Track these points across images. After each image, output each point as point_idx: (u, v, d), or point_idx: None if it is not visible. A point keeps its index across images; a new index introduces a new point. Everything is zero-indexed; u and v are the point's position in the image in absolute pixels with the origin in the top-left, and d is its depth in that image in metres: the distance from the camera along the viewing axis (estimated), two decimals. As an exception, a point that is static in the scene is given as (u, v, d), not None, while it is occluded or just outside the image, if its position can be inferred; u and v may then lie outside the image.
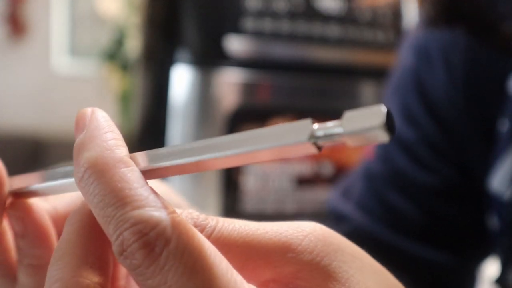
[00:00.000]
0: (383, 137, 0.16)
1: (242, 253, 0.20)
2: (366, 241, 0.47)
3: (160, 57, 1.05)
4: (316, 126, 0.18)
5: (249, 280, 0.20)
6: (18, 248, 0.25)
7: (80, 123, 0.21)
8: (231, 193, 0.99)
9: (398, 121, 0.50)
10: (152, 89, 1.08)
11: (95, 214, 0.20)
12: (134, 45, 1.91)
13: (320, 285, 0.20)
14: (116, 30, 2.62)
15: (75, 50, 3.49)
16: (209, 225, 0.20)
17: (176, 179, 0.96)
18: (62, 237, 0.21)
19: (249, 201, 1.00)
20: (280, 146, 0.18)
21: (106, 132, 0.20)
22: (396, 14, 1.10)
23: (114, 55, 2.57)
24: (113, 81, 2.58)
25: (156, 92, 1.06)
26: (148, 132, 1.11)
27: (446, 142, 0.48)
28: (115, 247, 0.19)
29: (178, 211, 0.21)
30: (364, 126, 0.16)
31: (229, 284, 0.18)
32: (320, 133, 0.17)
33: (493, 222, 0.45)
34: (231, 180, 0.98)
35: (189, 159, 0.20)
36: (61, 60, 3.46)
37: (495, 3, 0.44)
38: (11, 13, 3.37)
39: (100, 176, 0.19)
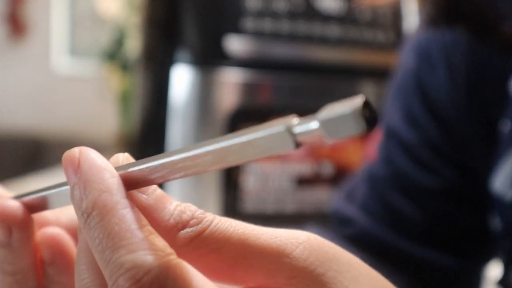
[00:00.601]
0: (358, 125, 0.15)
1: (236, 250, 0.20)
2: (370, 244, 0.47)
3: (160, 57, 1.05)
4: (295, 121, 0.17)
5: (239, 280, 0.20)
6: (46, 274, 0.26)
7: (69, 166, 0.20)
8: (231, 193, 0.98)
9: (400, 123, 0.50)
10: (152, 89, 1.08)
11: (96, 259, 0.19)
12: (134, 45, 1.90)
13: None
14: (116, 30, 2.62)
15: (75, 50, 3.48)
16: (206, 219, 0.20)
17: (176, 180, 0.96)
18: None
19: (249, 201, 0.99)
20: (256, 139, 0.17)
21: (101, 172, 0.20)
22: (396, 14, 1.10)
23: (114, 55, 2.57)
24: (113, 81, 2.58)
25: (156, 92, 1.06)
26: (148, 132, 1.11)
27: (448, 143, 0.48)
28: None
29: (176, 203, 0.21)
30: (337, 113, 0.15)
31: None
32: (298, 129, 0.16)
33: (495, 223, 0.45)
34: (231, 180, 0.98)
35: (166, 159, 0.20)
36: (61, 60, 3.46)
37: (495, 3, 0.44)
38: (11, 13, 3.37)
39: (100, 219, 0.19)
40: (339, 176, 1.03)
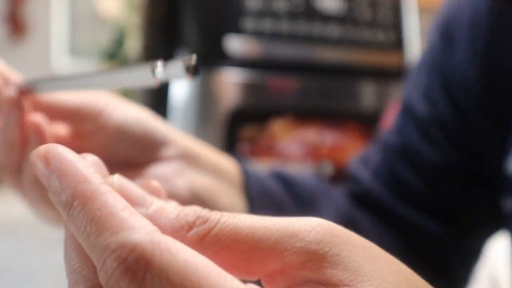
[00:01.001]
0: (186, 74, 0.23)
1: (249, 243, 0.20)
2: (372, 204, 0.50)
3: (160, 57, 1.05)
4: (156, 67, 0.25)
5: (256, 271, 0.20)
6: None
7: (40, 165, 0.21)
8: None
9: (416, 97, 0.52)
10: (152, 89, 1.08)
11: (84, 247, 0.19)
12: (134, 45, 1.90)
13: (330, 274, 0.19)
14: (116, 30, 2.62)
15: (75, 50, 3.49)
16: (212, 218, 0.20)
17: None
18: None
19: (249, 201, 1.00)
20: (129, 77, 0.27)
21: (73, 164, 0.20)
22: (396, 14, 1.10)
23: (114, 55, 2.57)
24: (113, 81, 2.58)
25: (156, 92, 1.06)
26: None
27: (459, 124, 0.49)
28: (101, 278, 0.18)
29: (178, 207, 0.21)
30: (175, 66, 0.24)
31: None
32: (157, 73, 0.25)
33: (508, 204, 0.46)
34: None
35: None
36: (61, 60, 3.46)
37: None
38: (11, 13, 3.38)
39: (81, 208, 0.19)
40: (339, 176, 1.03)
